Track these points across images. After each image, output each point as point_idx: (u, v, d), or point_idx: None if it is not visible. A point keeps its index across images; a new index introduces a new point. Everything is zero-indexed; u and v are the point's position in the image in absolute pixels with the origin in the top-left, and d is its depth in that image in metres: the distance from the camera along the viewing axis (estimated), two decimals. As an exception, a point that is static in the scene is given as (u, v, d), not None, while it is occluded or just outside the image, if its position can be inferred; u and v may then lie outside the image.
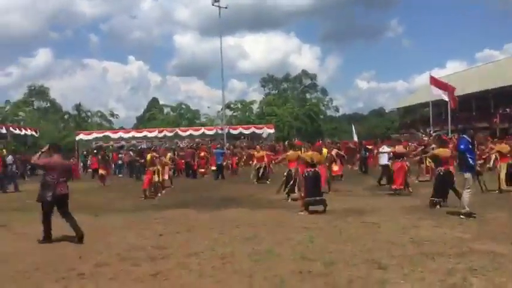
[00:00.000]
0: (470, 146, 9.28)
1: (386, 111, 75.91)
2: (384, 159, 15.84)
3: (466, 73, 53.84)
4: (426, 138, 24.97)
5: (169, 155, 20.04)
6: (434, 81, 33.16)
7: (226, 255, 6.42)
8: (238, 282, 5.21)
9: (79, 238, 7.73)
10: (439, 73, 54.19)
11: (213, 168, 22.87)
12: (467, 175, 9.07)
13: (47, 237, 7.86)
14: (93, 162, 25.39)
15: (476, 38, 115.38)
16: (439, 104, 37.45)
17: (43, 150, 8.14)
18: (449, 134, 32.11)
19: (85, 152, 33.60)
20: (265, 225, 8.85)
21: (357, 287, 4.87)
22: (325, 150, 15.42)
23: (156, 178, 14.64)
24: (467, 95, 41.38)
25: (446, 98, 31.94)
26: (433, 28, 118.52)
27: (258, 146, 22.83)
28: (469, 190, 9.04)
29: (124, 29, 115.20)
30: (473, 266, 5.49)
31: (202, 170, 23.65)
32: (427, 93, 36.86)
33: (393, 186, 13.17)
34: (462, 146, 9.22)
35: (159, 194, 14.78)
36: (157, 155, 15.57)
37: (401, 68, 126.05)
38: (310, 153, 11.40)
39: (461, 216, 8.85)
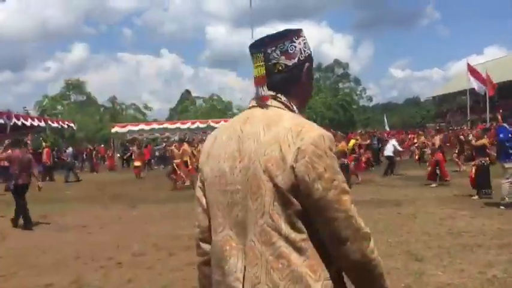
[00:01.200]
0: (510, 135, 9.00)
1: (422, 100, 74.46)
2: (388, 151, 16.33)
3: (505, 59, 52.02)
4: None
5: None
6: (471, 70, 32.26)
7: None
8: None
9: (11, 220, 8.78)
10: (476, 59, 52.74)
11: None
12: (508, 165, 8.81)
13: (27, 222, 8.66)
14: (145, 153, 25.74)
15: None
16: (476, 92, 36.42)
17: (4, 145, 8.83)
18: (488, 123, 31.23)
19: (127, 144, 34.12)
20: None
21: (394, 278, 4.81)
22: (352, 141, 15.51)
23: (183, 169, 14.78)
24: (507, 82, 40.05)
25: (481, 91, 31.12)
26: (469, 14, 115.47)
27: None
28: (509, 180, 8.78)
29: (156, 22, 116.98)
30: (514, 258, 5.34)
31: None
32: (463, 81, 35.90)
33: (446, 178, 12.92)
34: (502, 135, 8.96)
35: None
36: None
37: (436, 56, 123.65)
38: (343, 143, 11.39)
39: (501, 207, 8.61)
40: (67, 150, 21.85)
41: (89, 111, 60.80)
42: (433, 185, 12.63)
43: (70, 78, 64.57)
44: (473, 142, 10.68)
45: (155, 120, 52.77)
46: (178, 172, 14.64)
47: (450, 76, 70.83)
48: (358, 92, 69.57)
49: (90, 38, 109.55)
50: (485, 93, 32.04)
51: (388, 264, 5.28)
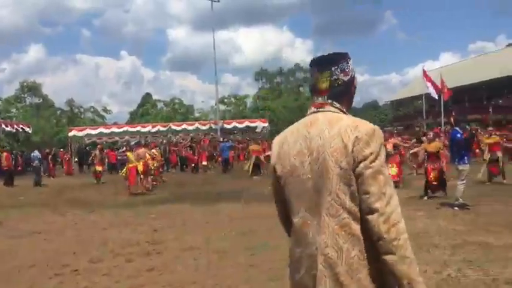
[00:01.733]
0: (463, 138, 9.29)
1: (380, 104, 76.19)
2: None
3: (459, 65, 53.95)
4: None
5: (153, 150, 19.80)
6: (426, 76, 33.28)
7: (222, 250, 6.41)
8: (234, 276, 5.20)
9: None
10: (432, 65, 54.41)
11: (204, 163, 23.19)
12: (461, 167, 9.09)
13: None
14: (111, 156, 25.35)
15: (469, 30, 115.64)
16: (432, 97, 37.59)
17: None
18: (442, 126, 32.23)
19: (88, 147, 33.19)
20: (261, 218, 8.84)
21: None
22: None
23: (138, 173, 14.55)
24: (460, 87, 41.51)
25: (435, 96, 32.19)
26: (426, 20, 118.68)
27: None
28: (463, 181, 9.06)
29: (116, 23, 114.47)
30: (468, 257, 5.50)
31: (205, 163, 23.70)
32: (420, 86, 36.93)
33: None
34: (458, 135, 9.21)
35: (149, 188, 14.72)
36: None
37: (394, 61, 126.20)
38: None
39: (455, 208, 8.88)
40: (33, 154, 21.22)
41: (45, 114, 59.06)
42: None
43: (25, 80, 62.56)
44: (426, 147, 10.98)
45: (115, 124, 51.82)
46: (132, 176, 14.37)
47: (407, 81, 72.81)
48: (319, 96, 70.32)
49: (46, 39, 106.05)
50: (439, 98, 33.07)
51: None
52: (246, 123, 41.46)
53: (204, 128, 39.74)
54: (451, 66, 53.86)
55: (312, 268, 1.70)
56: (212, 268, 5.56)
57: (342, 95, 1.85)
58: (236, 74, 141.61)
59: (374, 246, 1.64)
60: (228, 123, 40.80)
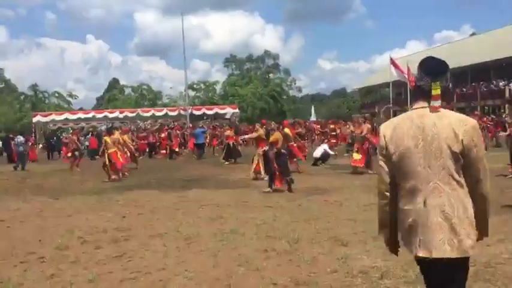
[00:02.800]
0: None
1: (348, 91, 76.98)
2: (317, 153, 16.69)
3: (425, 54, 54.28)
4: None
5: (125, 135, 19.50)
6: (393, 63, 33.74)
7: (191, 236, 6.41)
8: (203, 262, 5.21)
9: None
10: (400, 53, 55.27)
11: (176, 149, 22.95)
12: None
13: None
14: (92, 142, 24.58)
15: (435, 19, 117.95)
16: (399, 85, 38.17)
17: None
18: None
19: (57, 134, 32.25)
20: (230, 205, 8.88)
21: (321, 263, 4.96)
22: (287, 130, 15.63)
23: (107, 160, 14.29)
24: (426, 75, 42.29)
25: (404, 79, 32.61)
26: (394, 9, 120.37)
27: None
28: None
29: (82, 6, 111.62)
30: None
31: (164, 152, 23.43)
32: (387, 74, 37.47)
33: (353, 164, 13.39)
34: None
35: (121, 175, 14.52)
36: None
37: (362, 49, 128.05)
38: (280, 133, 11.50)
39: None
40: (17, 139, 20.60)
41: (7, 100, 57.29)
42: (370, 172, 12.87)
43: (-14, 63, 60.52)
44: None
45: (81, 109, 50.75)
46: (113, 162, 14.11)
47: (375, 69, 73.81)
48: (288, 83, 70.60)
49: (8, 21, 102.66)
50: (407, 85, 33.61)
51: (315, 251, 5.45)
52: (216, 109, 41.31)
53: (173, 114, 39.39)
54: (417, 55, 54.69)
55: (422, 218, 2.35)
56: (181, 254, 5.56)
57: (444, 96, 2.42)
58: (206, 59, 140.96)
59: (472, 202, 2.39)
60: (198, 110, 40.54)
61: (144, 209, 8.81)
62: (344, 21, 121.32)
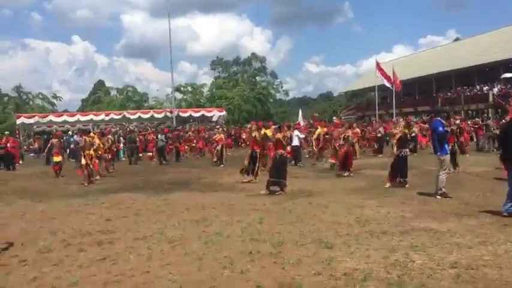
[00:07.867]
0: (445, 130, 9.40)
1: (335, 95, 77.42)
2: (295, 141, 16.99)
3: (410, 58, 55.61)
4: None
5: (109, 137, 19.24)
6: (379, 67, 34.09)
7: (176, 239, 6.39)
8: (188, 264, 5.20)
9: None
10: (386, 57, 55.80)
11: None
12: (443, 157, 9.19)
13: None
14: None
15: (421, 24, 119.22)
16: (384, 89, 38.57)
17: None
18: (394, 117, 33.18)
19: (43, 135, 31.77)
20: (215, 207, 8.86)
21: (305, 266, 4.98)
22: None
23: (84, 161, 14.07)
24: (412, 79, 42.85)
25: (389, 85, 33.02)
26: (381, 14, 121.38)
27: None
28: (444, 171, 9.17)
29: (68, 7, 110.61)
30: (414, 243, 5.73)
31: (150, 154, 23.24)
32: (373, 78, 37.83)
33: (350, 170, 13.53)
34: (440, 129, 9.22)
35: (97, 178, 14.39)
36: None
37: (349, 53, 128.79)
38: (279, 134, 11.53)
39: (438, 197, 8.99)
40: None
41: (-10, 101, 56.58)
42: (345, 174, 13.20)
43: (-31, 64, 59.68)
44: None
45: (66, 111, 50.23)
46: (89, 163, 13.92)
47: (361, 72, 74.34)
48: (274, 86, 70.77)
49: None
50: (392, 89, 33.98)
51: (299, 253, 5.47)
52: (202, 112, 41.20)
53: (159, 116, 39.21)
54: (403, 59, 55.46)
55: None
56: (165, 257, 5.54)
57: None
58: (193, 62, 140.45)
59: None
60: (184, 112, 40.42)
61: (128, 211, 8.76)
62: (331, 25, 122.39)
